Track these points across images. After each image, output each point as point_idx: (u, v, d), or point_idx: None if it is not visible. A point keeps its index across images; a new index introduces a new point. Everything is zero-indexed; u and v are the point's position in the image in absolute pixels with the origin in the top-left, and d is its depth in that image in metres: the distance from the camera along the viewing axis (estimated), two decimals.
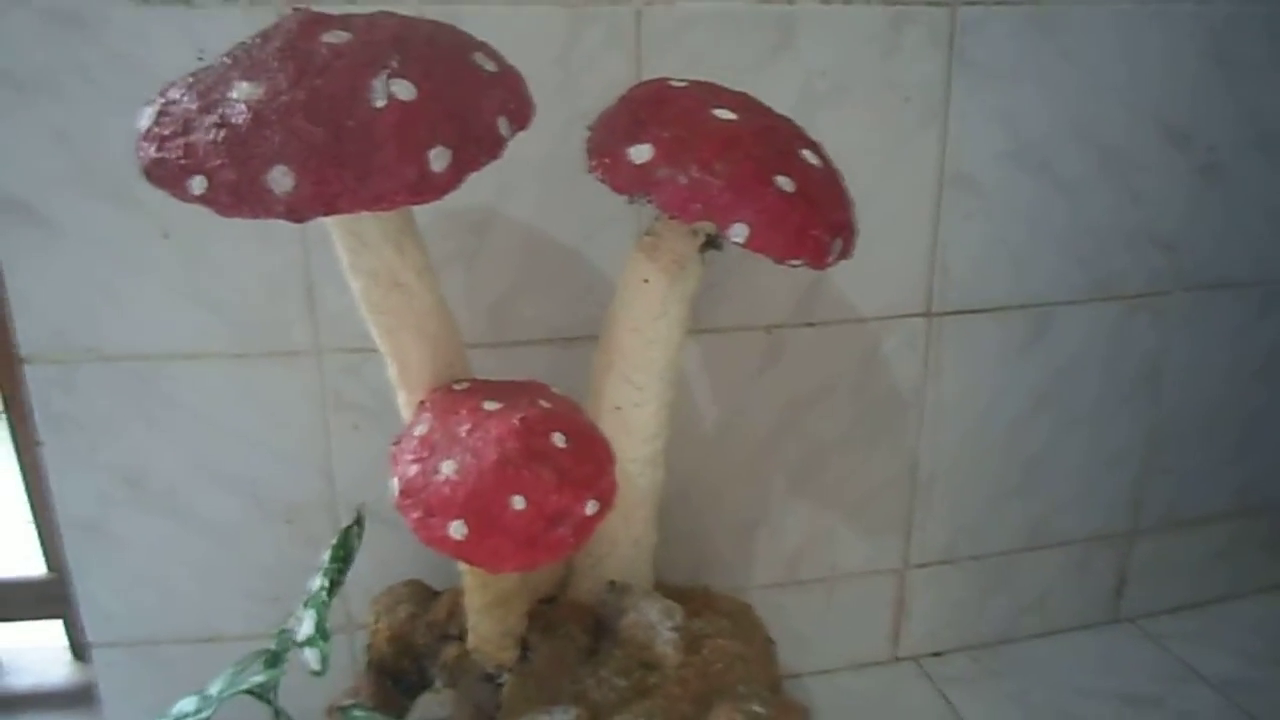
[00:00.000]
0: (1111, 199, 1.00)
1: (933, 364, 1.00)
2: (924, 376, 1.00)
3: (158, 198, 0.74)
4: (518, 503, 0.62)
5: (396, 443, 0.67)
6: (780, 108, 0.73)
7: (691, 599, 0.87)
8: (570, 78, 0.83)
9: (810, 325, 0.95)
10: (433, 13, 0.74)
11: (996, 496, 1.08)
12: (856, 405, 1.00)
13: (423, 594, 0.83)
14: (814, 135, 0.71)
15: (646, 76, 0.83)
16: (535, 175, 0.84)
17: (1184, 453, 1.15)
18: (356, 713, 0.67)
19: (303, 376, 0.87)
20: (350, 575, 0.90)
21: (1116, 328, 1.05)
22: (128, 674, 0.93)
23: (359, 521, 0.75)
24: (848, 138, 0.89)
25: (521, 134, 0.61)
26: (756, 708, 0.69)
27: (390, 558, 0.89)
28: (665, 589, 0.85)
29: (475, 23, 0.78)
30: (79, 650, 1.05)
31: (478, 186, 0.82)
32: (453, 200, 0.81)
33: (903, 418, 1.01)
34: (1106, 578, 1.17)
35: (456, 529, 0.61)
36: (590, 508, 0.64)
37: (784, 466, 1.00)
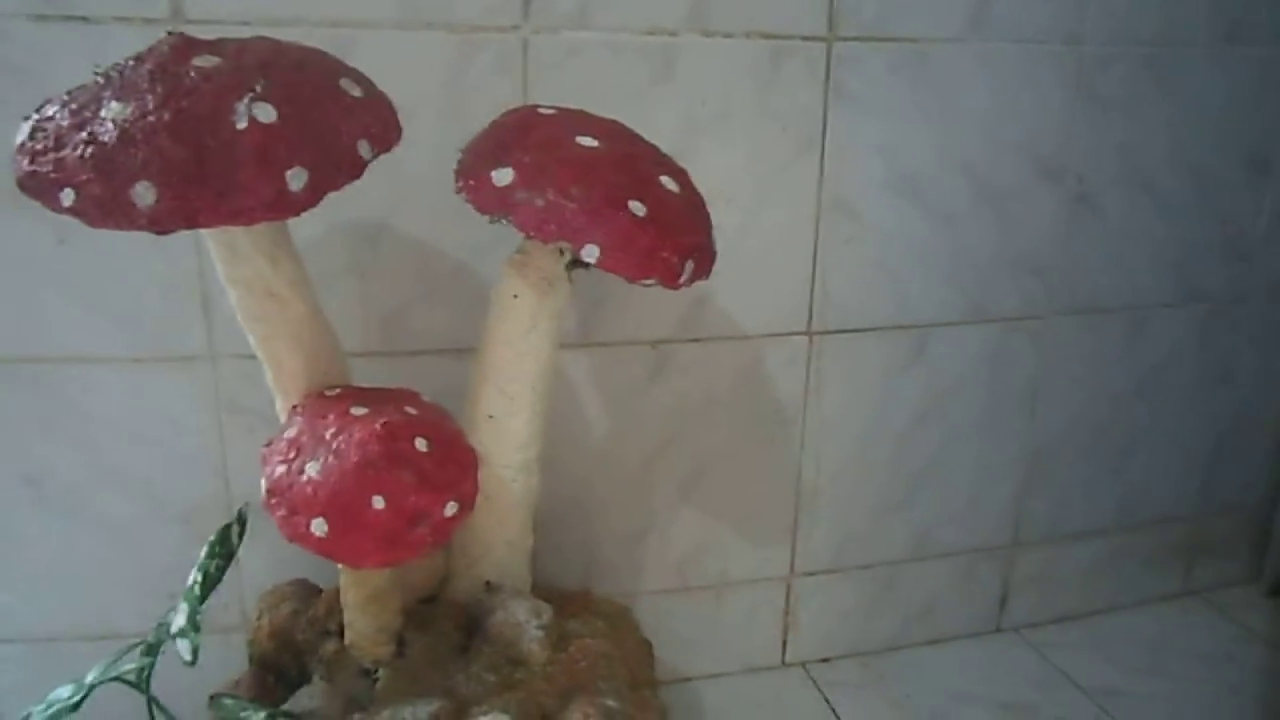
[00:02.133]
0: (986, 227, 1.05)
1: (814, 380, 1.05)
2: (806, 392, 1.05)
3: None
4: (378, 503, 0.65)
5: (268, 444, 0.70)
6: (663, 134, 0.78)
7: (572, 601, 0.90)
8: (459, 101, 0.87)
9: (695, 341, 0.99)
10: (323, 36, 0.78)
11: (881, 509, 1.13)
12: (741, 419, 1.04)
13: (306, 592, 0.86)
14: (696, 161, 0.76)
15: (534, 101, 0.87)
16: (427, 192, 0.87)
17: (1064, 469, 1.20)
18: (225, 700, 0.70)
19: (198, 381, 0.90)
20: (246, 577, 0.94)
21: (995, 349, 1.11)
22: (26, 670, 0.95)
23: (240, 520, 0.78)
24: (729, 164, 0.94)
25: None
26: (611, 702, 0.73)
27: (285, 559, 0.91)
28: (548, 592, 0.88)
29: (367, 47, 0.82)
30: None
31: (370, 201, 0.87)
32: (346, 213, 0.86)
33: (786, 431, 1.06)
34: (991, 588, 1.22)
35: (318, 526, 0.65)
36: (450, 509, 0.68)
37: (672, 477, 1.04)
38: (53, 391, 0.88)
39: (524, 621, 0.79)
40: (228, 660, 0.87)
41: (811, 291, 1.01)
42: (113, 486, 0.92)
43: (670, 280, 0.68)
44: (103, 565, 0.94)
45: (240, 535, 0.78)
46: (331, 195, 0.61)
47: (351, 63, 0.67)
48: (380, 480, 0.65)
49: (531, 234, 0.67)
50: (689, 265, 0.70)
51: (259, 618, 0.84)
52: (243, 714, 0.68)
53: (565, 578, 1.02)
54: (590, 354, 0.97)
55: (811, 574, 1.13)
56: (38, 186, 0.58)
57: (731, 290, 0.99)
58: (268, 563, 0.93)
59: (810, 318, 1.03)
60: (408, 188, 0.88)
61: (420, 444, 0.68)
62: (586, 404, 0.99)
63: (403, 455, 0.67)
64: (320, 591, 0.86)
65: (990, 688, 1.15)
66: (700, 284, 0.86)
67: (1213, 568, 1.34)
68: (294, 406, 0.72)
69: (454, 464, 0.69)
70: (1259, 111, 1.13)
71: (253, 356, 0.77)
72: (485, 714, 0.71)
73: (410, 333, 0.92)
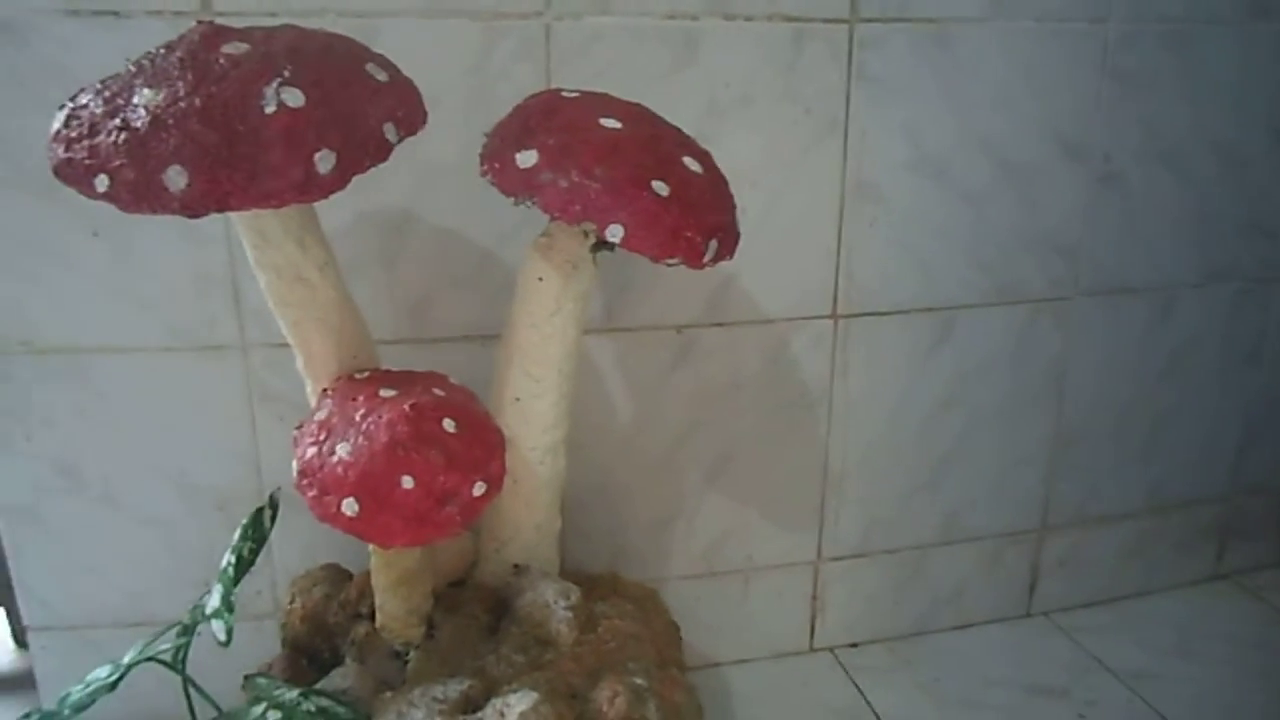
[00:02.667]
0: (1012, 207, 1.05)
1: (840, 364, 1.05)
2: (831, 376, 1.05)
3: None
4: (407, 483, 0.66)
5: (299, 427, 0.71)
6: (686, 118, 0.78)
7: (600, 585, 0.91)
8: (483, 87, 0.87)
9: (720, 325, 1.00)
10: (348, 25, 0.79)
11: (908, 492, 1.13)
12: (766, 403, 1.04)
13: (338, 576, 0.87)
14: (719, 144, 0.76)
15: (557, 85, 0.87)
16: (452, 180, 0.89)
17: (1093, 453, 1.19)
18: (259, 680, 0.71)
19: (229, 370, 0.91)
20: (278, 564, 0.95)
21: (1021, 331, 1.10)
22: (64, 658, 0.96)
23: (273, 505, 0.79)
24: (752, 146, 0.94)
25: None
26: (639, 680, 0.74)
27: (316, 545, 0.93)
28: (575, 576, 0.89)
29: (391, 35, 0.83)
30: (19, 636, 1.09)
31: (396, 190, 0.88)
32: (373, 202, 0.87)
33: (812, 415, 1.06)
34: (1019, 573, 1.22)
35: (349, 506, 0.66)
36: (478, 489, 0.69)
37: (697, 462, 1.04)
38: (86, 381, 0.90)
39: (552, 602, 0.79)
40: (261, 646, 0.88)
41: (836, 274, 1.02)
42: (146, 475, 0.93)
43: (694, 260, 0.69)
44: (138, 553, 0.95)
45: (272, 519, 0.79)
46: (358, 181, 0.61)
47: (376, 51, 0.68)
48: (409, 460, 0.66)
49: (556, 215, 0.67)
50: (713, 245, 0.70)
51: (291, 601, 0.85)
52: (276, 692, 0.69)
53: (592, 564, 1.02)
54: (615, 339, 0.98)
55: (839, 559, 1.13)
56: (73, 173, 0.59)
57: (755, 274, 0.99)
58: (299, 550, 0.95)
59: (835, 301, 1.03)
60: (433, 176, 0.89)
61: (448, 425, 0.69)
62: (612, 390, 1.00)
63: (431, 436, 0.67)
64: (351, 576, 0.87)
65: (1020, 671, 1.14)
66: (724, 267, 0.87)
67: (1244, 550, 1.33)
68: (324, 390, 0.73)
69: (482, 445, 0.70)
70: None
71: (283, 345, 0.79)
72: (514, 691, 0.71)
73: (437, 320, 0.93)
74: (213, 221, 0.87)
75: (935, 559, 1.17)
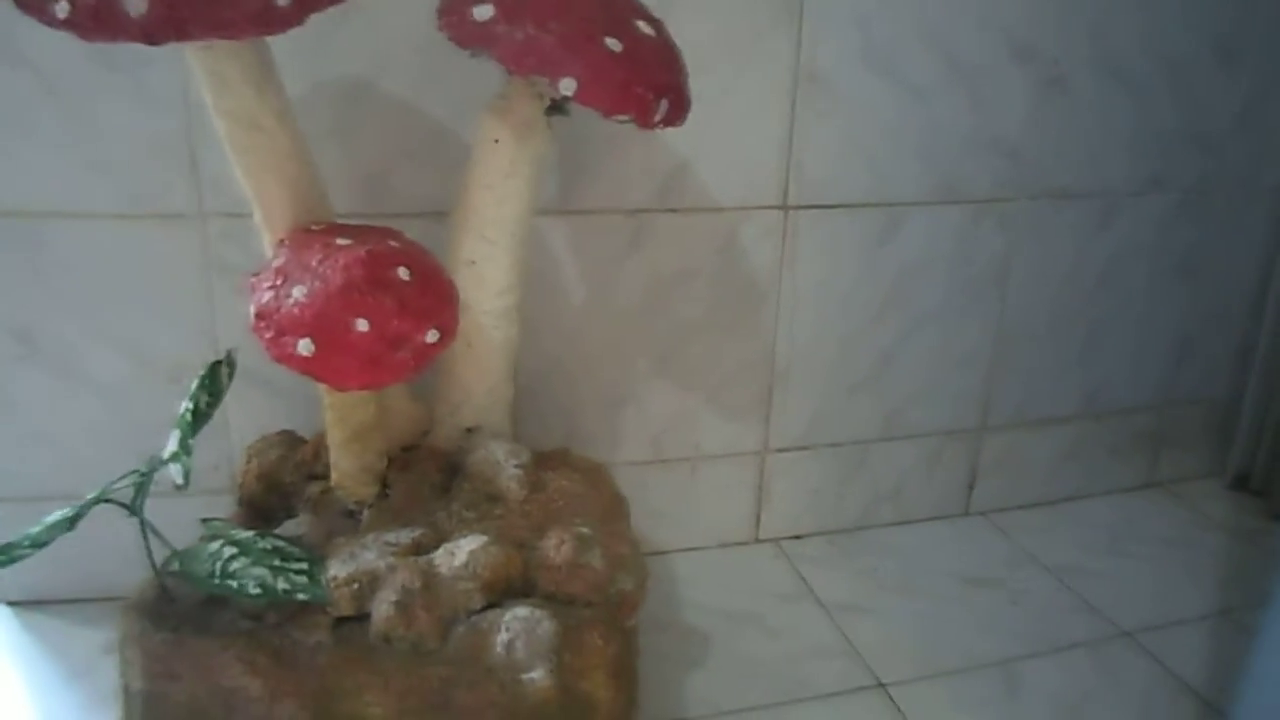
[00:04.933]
0: (960, 107, 1.08)
1: (788, 255, 1.07)
2: (780, 267, 1.07)
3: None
4: (361, 325, 0.68)
5: (255, 274, 0.72)
6: None
7: (550, 458, 0.93)
8: None
9: (672, 211, 1.02)
10: None
11: (851, 387, 1.16)
12: (716, 291, 1.07)
13: (293, 440, 0.88)
14: (671, 27, 0.77)
15: None
16: (411, 51, 0.90)
17: (1031, 355, 1.23)
18: (215, 521, 0.73)
19: (185, 240, 0.92)
20: (235, 439, 0.96)
21: (965, 231, 1.13)
22: (16, 532, 0.97)
23: (230, 363, 0.80)
24: (705, 30, 0.96)
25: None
26: (584, 530, 0.76)
27: (273, 423, 0.94)
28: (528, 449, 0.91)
29: None
30: None
31: (353, 60, 0.88)
32: (329, 72, 0.87)
33: (761, 305, 1.09)
34: (958, 472, 1.26)
35: (304, 347, 0.67)
36: (430, 336, 0.71)
37: (649, 347, 1.07)
38: (40, 247, 0.90)
39: (502, 460, 0.82)
40: None
41: (786, 165, 1.04)
42: (101, 344, 0.94)
43: (644, 118, 0.71)
44: (92, 425, 0.96)
45: (230, 376, 0.80)
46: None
47: None
48: (364, 303, 0.68)
49: (511, 68, 0.69)
50: (663, 105, 0.72)
51: (247, 462, 0.87)
52: (231, 532, 0.71)
53: (545, 445, 1.04)
54: (569, 221, 1.00)
55: (784, 450, 1.16)
56: (32, 0, 0.60)
57: (707, 161, 1.01)
58: (257, 427, 0.96)
59: (785, 192, 1.05)
60: (392, 46, 0.90)
61: (402, 273, 0.70)
62: (565, 273, 1.02)
63: (385, 281, 0.69)
64: (306, 441, 0.89)
65: (957, 563, 1.19)
66: (677, 152, 0.90)
67: (1177, 460, 1.38)
68: (280, 240, 0.74)
69: (434, 294, 0.72)
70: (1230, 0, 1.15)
71: (241, 215, 0.80)
72: (464, 536, 0.74)
73: (393, 195, 0.95)
74: (169, 84, 0.87)
75: (877, 454, 1.20)
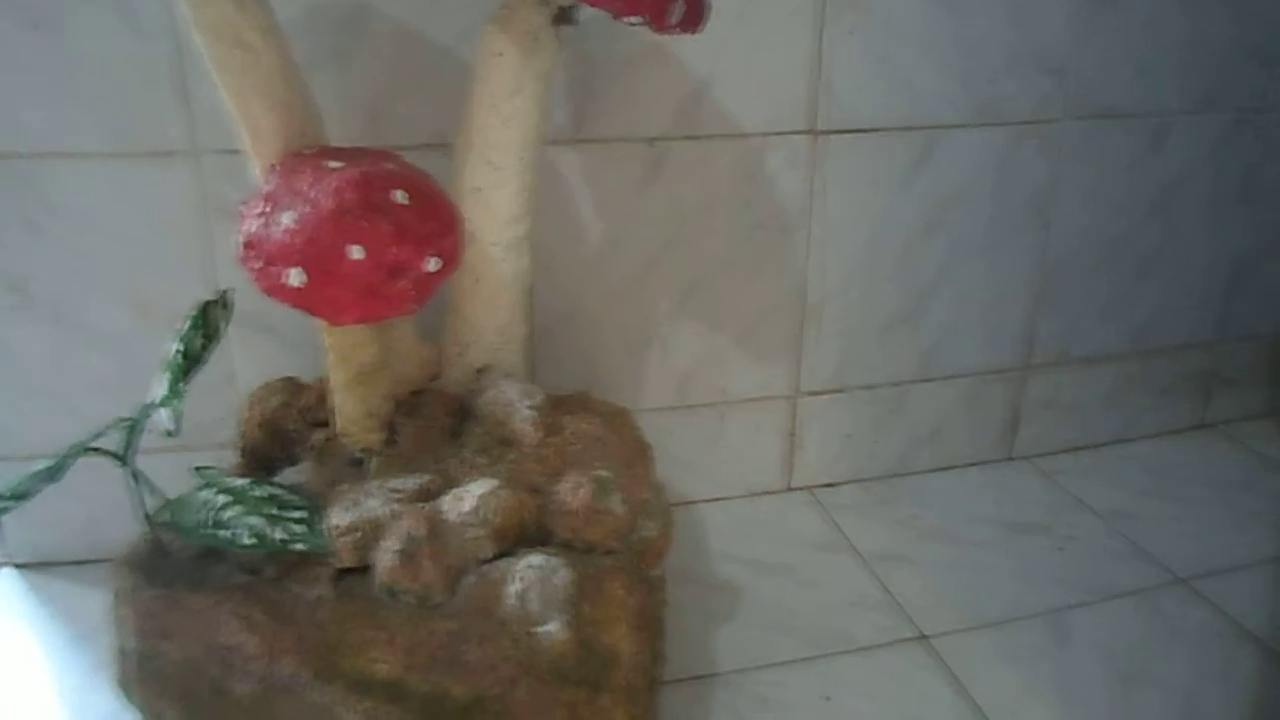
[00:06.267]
0: (999, 19, 1.01)
1: (818, 184, 1.01)
2: (809, 196, 1.01)
3: None
4: (355, 253, 0.63)
5: (244, 203, 0.67)
6: None
7: (568, 402, 0.88)
8: None
9: (692, 138, 0.96)
10: None
11: (887, 325, 1.10)
12: (742, 223, 1.01)
13: (297, 387, 0.84)
14: None
15: None
16: None
17: (1078, 289, 1.17)
18: (209, 469, 0.68)
19: (180, 179, 0.88)
20: (241, 388, 0.92)
21: (1005, 155, 1.07)
22: None
23: (225, 302, 0.75)
24: None
25: None
26: (604, 473, 0.71)
27: (280, 371, 0.89)
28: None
29: None
30: None
31: None
32: None
33: (789, 239, 1.03)
34: (1000, 414, 1.20)
35: (295, 276, 0.62)
36: (432, 264, 0.65)
37: (671, 284, 1.01)
38: (30, 190, 0.86)
39: (515, 401, 0.77)
40: None
41: (814, 87, 0.97)
42: (98, 293, 0.90)
43: (659, 19, 0.65)
44: (92, 378, 0.92)
45: (226, 318, 0.75)
46: None
47: None
48: (358, 228, 0.63)
49: None
50: (678, 6, 0.66)
51: (248, 409, 0.82)
52: (225, 480, 0.67)
53: (564, 391, 1.00)
54: (582, 152, 0.94)
55: (816, 393, 1.11)
56: None
57: (729, 83, 0.95)
58: (262, 376, 0.91)
59: (814, 116, 0.99)
60: None
61: (400, 196, 0.65)
62: (580, 207, 0.96)
63: (381, 205, 0.64)
64: (311, 387, 0.84)
65: (999, 509, 1.13)
66: (696, 73, 0.84)
67: (1231, 399, 1.31)
68: (271, 165, 0.69)
69: (435, 218, 0.67)
70: None
71: (238, 152, 0.75)
72: (474, 481, 0.69)
73: (394, 124, 0.89)
74: (157, 12, 0.82)
75: (914, 396, 1.15)
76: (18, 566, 0.98)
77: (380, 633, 0.63)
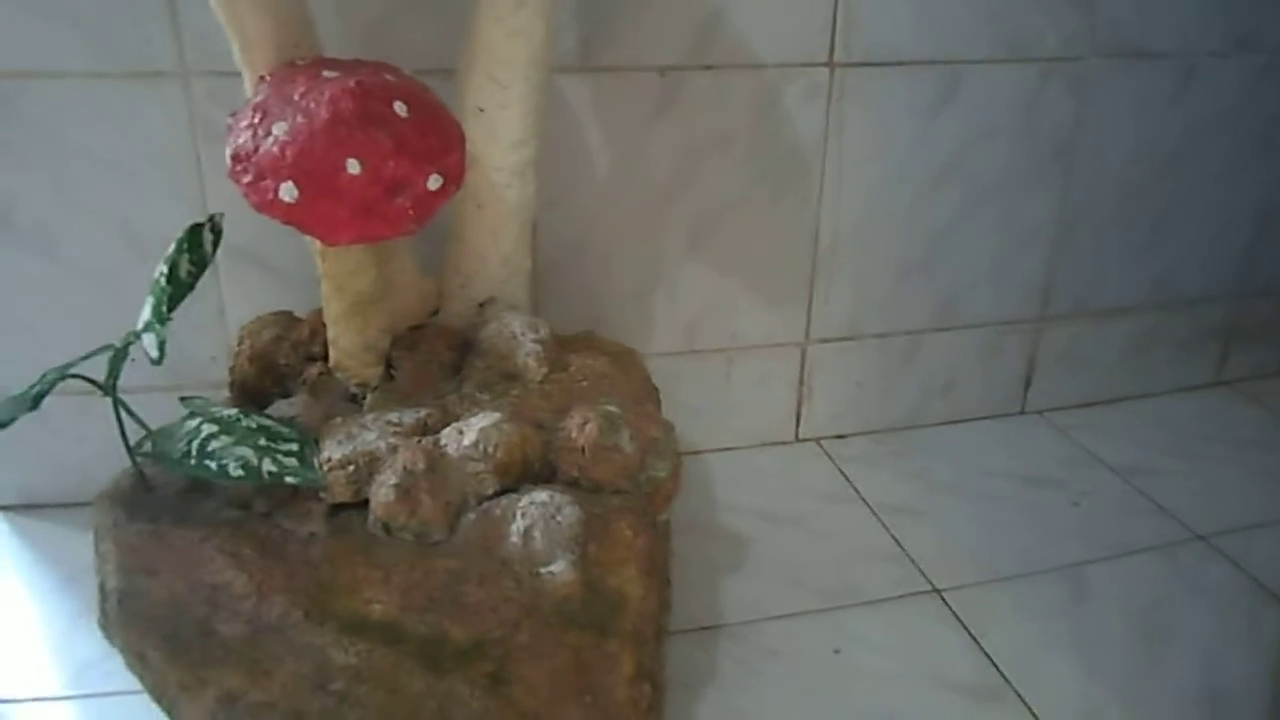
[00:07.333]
0: None
1: (835, 120, 0.97)
2: (825, 133, 0.97)
3: None
4: (352, 167, 0.59)
5: (232, 115, 0.63)
6: None
7: (575, 342, 0.85)
8: None
9: (707, 68, 0.92)
10: None
11: (901, 271, 1.07)
12: (756, 159, 0.97)
13: (290, 321, 0.80)
14: None
15: None
16: None
17: (1096, 237, 1.13)
18: (196, 399, 0.65)
19: (169, 101, 0.84)
20: (231, 326, 0.88)
21: (1029, 94, 1.03)
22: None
23: (214, 227, 0.72)
24: None
25: None
26: (612, 409, 0.68)
27: (273, 306, 0.86)
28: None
29: None
30: None
31: None
32: None
33: (804, 176, 0.99)
34: (1016, 366, 1.17)
35: (287, 191, 0.59)
36: (433, 182, 0.62)
37: (681, 222, 0.98)
38: (10, 111, 0.82)
39: (519, 333, 0.73)
40: None
41: (834, 16, 0.93)
42: (86, 222, 0.86)
43: None
44: (77, 311, 0.89)
45: (215, 243, 0.71)
46: None
47: None
48: (354, 140, 0.59)
49: None
50: None
51: (240, 343, 0.79)
52: (212, 410, 0.63)
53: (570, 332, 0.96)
54: (592, 80, 0.90)
55: (827, 341, 1.07)
56: None
57: (746, 11, 0.90)
58: (254, 311, 0.88)
59: (832, 47, 0.94)
60: None
61: (400, 108, 0.61)
62: (589, 138, 0.92)
63: (380, 116, 0.60)
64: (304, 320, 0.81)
65: (1013, 463, 1.11)
66: (712, 1, 0.79)
67: (1250, 356, 1.28)
68: (261, 76, 0.65)
69: (437, 133, 0.63)
70: None
71: (228, 73, 0.71)
72: (475, 414, 0.65)
73: (394, 47, 0.85)
74: None
75: (928, 346, 1.11)
76: (4, 509, 0.95)
77: (375, 571, 0.60)
